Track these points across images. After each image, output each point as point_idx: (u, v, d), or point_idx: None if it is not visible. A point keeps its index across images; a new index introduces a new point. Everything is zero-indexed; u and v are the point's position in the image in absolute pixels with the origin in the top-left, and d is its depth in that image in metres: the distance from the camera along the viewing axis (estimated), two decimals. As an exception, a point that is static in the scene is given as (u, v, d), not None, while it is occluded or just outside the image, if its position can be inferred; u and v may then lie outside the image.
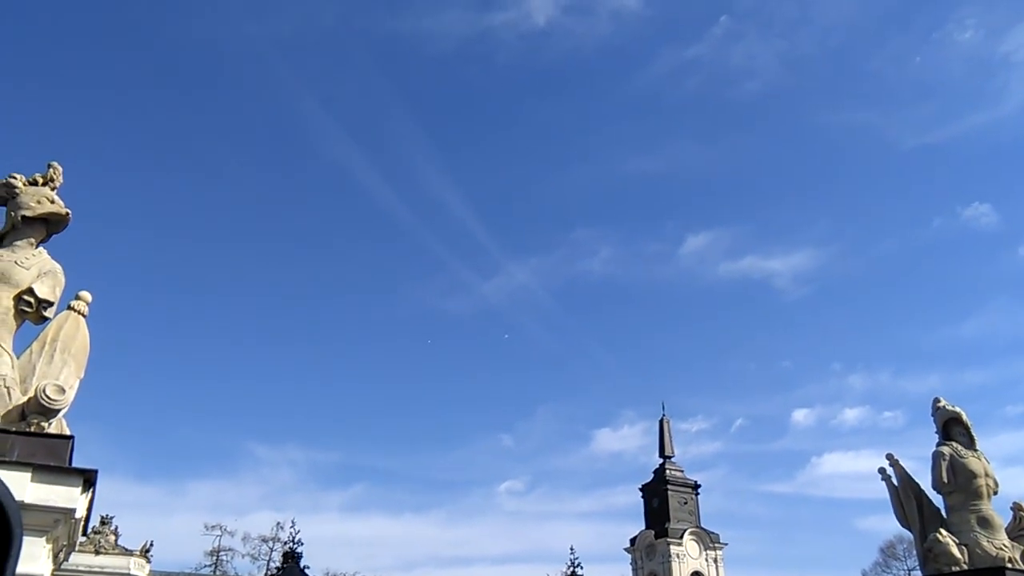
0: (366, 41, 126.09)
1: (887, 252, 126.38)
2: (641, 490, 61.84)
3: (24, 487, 5.75)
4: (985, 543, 11.05)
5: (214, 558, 58.94)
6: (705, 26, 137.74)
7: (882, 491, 12.32)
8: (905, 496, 11.95)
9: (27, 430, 6.37)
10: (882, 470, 12.32)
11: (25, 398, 6.62)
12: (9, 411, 6.53)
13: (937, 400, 12.58)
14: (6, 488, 1.30)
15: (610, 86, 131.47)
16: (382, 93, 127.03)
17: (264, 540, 58.72)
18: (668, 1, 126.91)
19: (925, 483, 12.08)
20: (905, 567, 64.67)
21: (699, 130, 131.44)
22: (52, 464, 6.00)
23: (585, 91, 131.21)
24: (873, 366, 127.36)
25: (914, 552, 12.54)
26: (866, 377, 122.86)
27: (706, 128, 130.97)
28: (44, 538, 6.02)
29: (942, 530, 11.18)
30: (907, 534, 12.64)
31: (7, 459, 5.90)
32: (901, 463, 12.31)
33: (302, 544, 43.50)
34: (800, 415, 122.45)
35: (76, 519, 6.25)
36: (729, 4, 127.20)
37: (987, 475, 11.66)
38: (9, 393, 6.62)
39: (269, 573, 51.14)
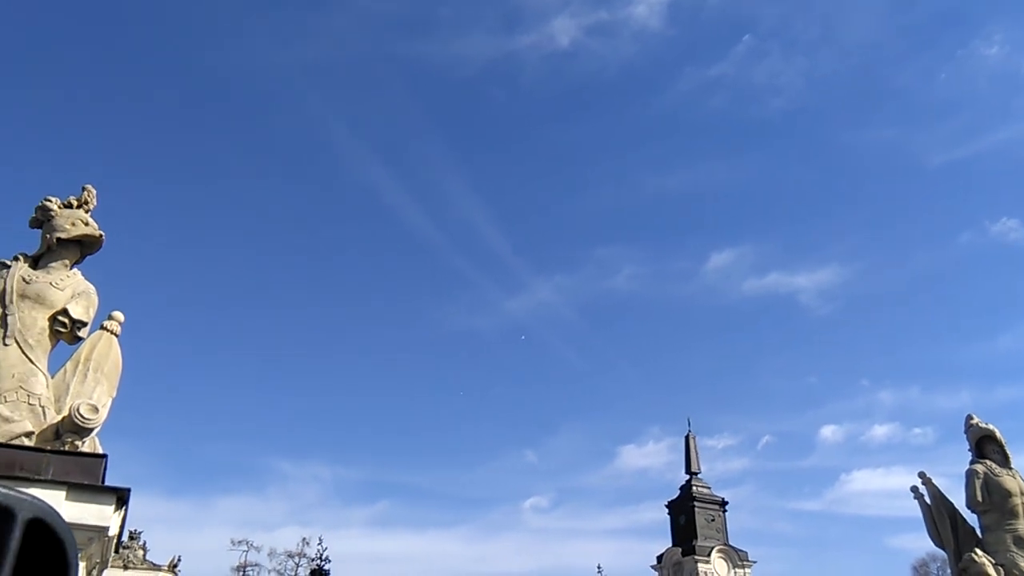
0: (394, 65, 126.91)
1: (915, 267, 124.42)
2: (667, 507, 61.13)
3: (59, 506, 5.83)
4: (1022, 563, 10.83)
5: (240, 573, 59.24)
6: (728, 45, 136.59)
7: (913, 509, 12.15)
8: (939, 515, 11.76)
9: (61, 449, 6.47)
10: (915, 488, 12.14)
11: (59, 417, 6.73)
12: (44, 430, 6.64)
13: (970, 417, 12.38)
14: (63, 521, 1.29)
15: (634, 105, 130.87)
16: (409, 115, 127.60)
17: (290, 556, 58.84)
18: (691, 21, 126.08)
19: (958, 501, 11.89)
20: (939, 586, 63.38)
21: (723, 148, 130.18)
22: (86, 483, 6.06)
23: (609, 110, 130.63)
24: (902, 382, 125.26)
25: (948, 571, 12.28)
26: (895, 393, 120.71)
27: (730, 146, 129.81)
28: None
29: (978, 550, 10.98)
30: (940, 552, 12.45)
31: (42, 478, 5.98)
32: (933, 481, 12.13)
33: (330, 561, 43.57)
34: (828, 431, 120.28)
35: (109, 537, 6.32)
36: (752, 23, 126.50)
37: (1023, 494, 11.43)
38: (44, 412, 6.73)
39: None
